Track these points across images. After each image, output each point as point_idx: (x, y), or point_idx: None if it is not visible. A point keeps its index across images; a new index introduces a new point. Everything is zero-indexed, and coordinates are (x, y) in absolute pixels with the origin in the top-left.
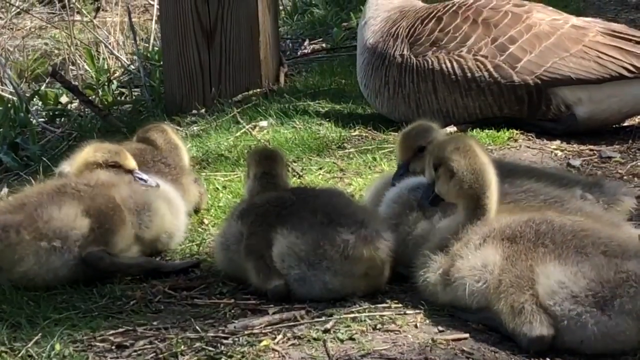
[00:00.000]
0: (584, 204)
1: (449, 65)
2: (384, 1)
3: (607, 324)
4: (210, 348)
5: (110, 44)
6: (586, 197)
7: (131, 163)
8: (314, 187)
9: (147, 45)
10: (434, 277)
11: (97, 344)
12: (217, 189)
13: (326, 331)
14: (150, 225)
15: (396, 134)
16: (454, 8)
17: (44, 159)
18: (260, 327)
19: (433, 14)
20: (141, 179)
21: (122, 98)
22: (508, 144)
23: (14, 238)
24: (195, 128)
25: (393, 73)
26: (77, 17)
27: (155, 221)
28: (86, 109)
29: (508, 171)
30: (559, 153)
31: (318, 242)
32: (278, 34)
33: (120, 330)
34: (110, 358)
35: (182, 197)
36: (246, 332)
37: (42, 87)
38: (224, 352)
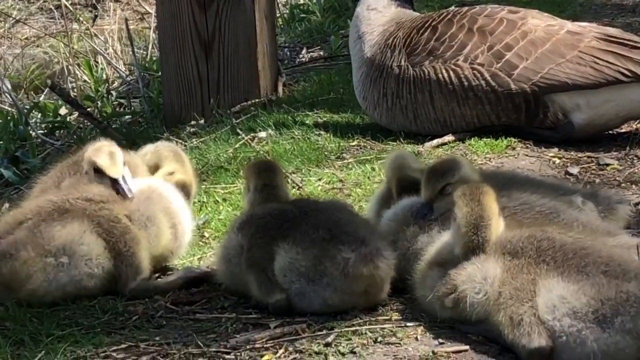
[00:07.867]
0: (579, 214)
1: (445, 75)
2: (376, 15)
3: (607, 341)
4: None
5: (108, 54)
6: (586, 204)
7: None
8: (317, 199)
9: (144, 53)
10: (431, 293)
11: None
12: (217, 201)
13: (327, 345)
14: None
15: (395, 143)
16: (448, 16)
17: None
18: (262, 342)
19: (428, 23)
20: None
21: (121, 109)
22: (506, 152)
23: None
24: (194, 140)
25: (391, 84)
26: (75, 26)
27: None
28: (85, 121)
29: (504, 183)
30: (557, 161)
31: (319, 259)
32: (276, 43)
33: (123, 346)
34: None
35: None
36: (248, 347)
37: (41, 99)
38: None
